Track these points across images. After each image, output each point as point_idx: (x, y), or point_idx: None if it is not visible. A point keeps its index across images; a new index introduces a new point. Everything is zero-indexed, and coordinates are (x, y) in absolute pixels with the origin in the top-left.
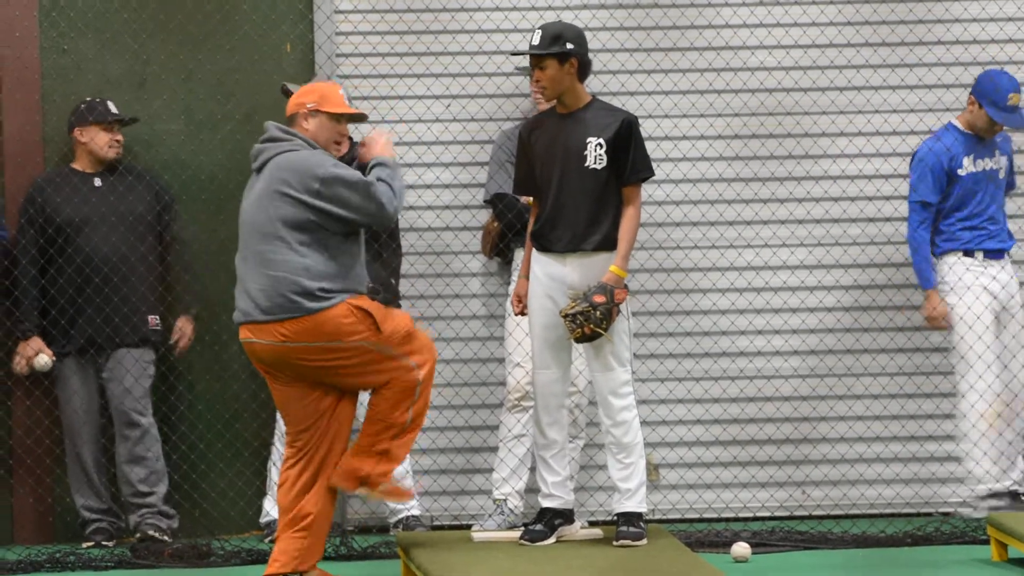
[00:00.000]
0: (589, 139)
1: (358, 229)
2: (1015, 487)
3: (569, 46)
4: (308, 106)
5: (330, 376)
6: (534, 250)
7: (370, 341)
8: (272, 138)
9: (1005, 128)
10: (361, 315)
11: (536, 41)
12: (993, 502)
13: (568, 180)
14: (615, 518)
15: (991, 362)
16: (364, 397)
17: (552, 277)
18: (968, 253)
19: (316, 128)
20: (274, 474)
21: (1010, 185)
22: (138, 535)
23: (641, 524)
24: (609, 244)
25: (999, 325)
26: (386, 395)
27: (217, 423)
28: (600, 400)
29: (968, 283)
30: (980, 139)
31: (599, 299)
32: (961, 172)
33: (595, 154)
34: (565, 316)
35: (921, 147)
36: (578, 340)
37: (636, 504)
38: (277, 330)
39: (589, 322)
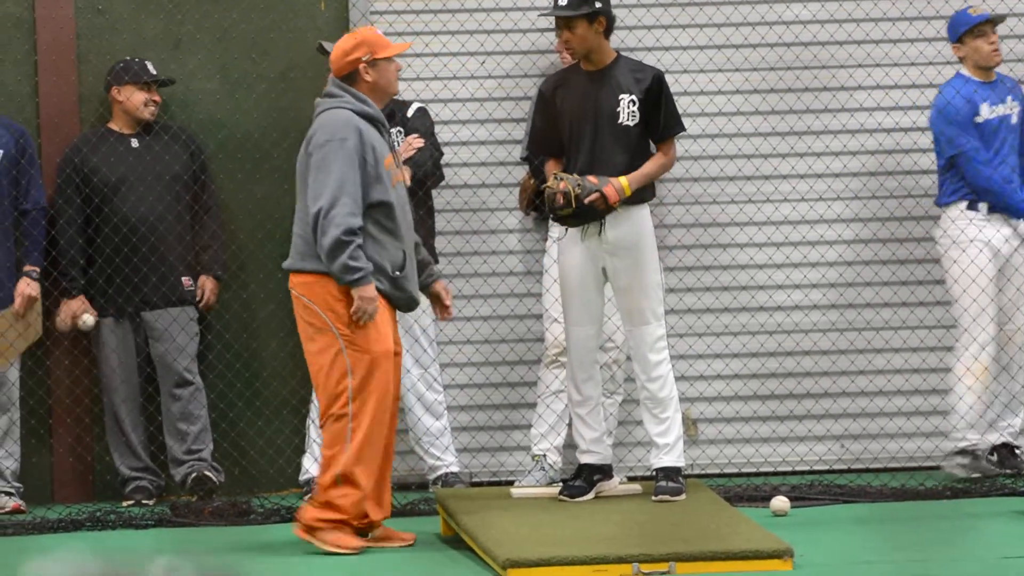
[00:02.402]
0: (622, 96)
1: (375, 208)
2: (1008, 440)
3: (597, 5)
4: (364, 59)
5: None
6: None
7: (343, 336)
8: (327, 94)
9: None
10: (348, 302)
11: (564, 1)
12: (959, 459)
13: (602, 137)
14: (654, 473)
15: (987, 321)
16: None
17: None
18: (971, 206)
19: (378, 75)
20: (313, 431)
21: None
22: (193, 477)
23: (680, 479)
24: (642, 198)
25: (1003, 278)
26: (325, 425)
27: (255, 381)
28: (635, 355)
29: (970, 236)
30: (991, 84)
31: (592, 180)
32: (978, 119)
33: (628, 111)
34: (546, 187)
35: (938, 99)
36: (551, 208)
37: (674, 459)
38: (292, 280)
39: (570, 193)
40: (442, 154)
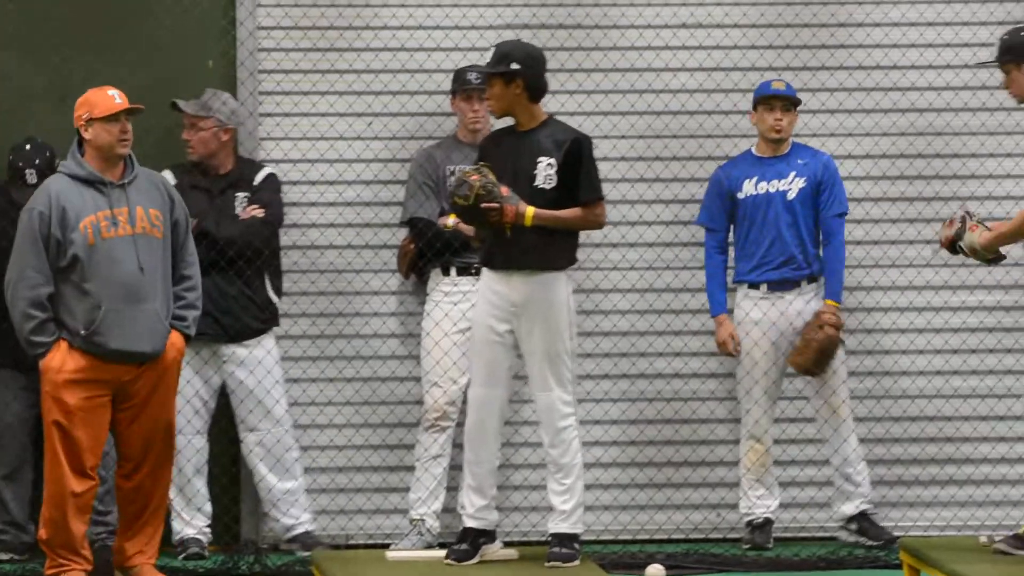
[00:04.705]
0: (540, 159)
1: (69, 269)
2: (865, 509)
3: (515, 66)
4: (83, 118)
5: None
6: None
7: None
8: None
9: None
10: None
11: (488, 59)
12: (746, 534)
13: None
14: (549, 538)
15: (757, 402)
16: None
17: (497, 295)
18: (753, 285)
19: (95, 136)
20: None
21: (830, 207)
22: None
23: (575, 546)
24: (554, 264)
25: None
26: None
27: None
28: (541, 420)
29: (752, 318)
30: (771, 160)
31: (505, 192)
32: (740, 195)
33: (545, 174)
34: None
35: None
36: (452, 191)
37: (571, 525)
38: None
39: (474, 188)
40: (280, 223)
